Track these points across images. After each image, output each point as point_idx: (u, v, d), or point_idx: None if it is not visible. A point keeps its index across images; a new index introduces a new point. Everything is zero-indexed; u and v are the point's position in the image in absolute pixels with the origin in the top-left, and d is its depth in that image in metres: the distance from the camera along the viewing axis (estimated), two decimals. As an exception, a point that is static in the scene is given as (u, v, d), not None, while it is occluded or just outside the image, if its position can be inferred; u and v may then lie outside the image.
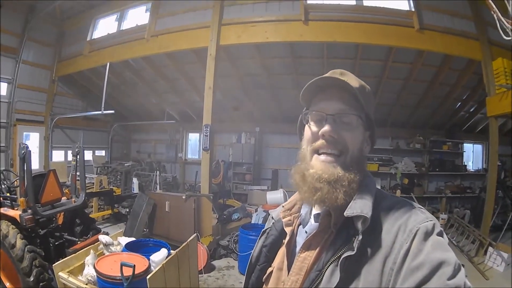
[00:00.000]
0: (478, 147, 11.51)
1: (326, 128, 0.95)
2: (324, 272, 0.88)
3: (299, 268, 0.97)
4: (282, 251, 1.07)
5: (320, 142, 0.97)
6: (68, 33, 10.34)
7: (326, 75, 1.02)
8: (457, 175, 10.70)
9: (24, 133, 10.01)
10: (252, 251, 1.17)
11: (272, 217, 1.21)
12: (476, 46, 6.70)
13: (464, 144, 10.97)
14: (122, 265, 3.15)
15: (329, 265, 0.88)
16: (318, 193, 0.93)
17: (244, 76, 9.38)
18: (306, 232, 1.03)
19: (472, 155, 11.56)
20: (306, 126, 1.04)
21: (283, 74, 9.07)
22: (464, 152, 11.00)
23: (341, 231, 0.92)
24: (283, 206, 1.15)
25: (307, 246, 0.98)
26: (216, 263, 6.19)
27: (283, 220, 1.10)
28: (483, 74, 6.66)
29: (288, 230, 1.07)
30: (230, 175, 11.51)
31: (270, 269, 1.08)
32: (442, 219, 7.63)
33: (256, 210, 8.49)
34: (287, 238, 1.06)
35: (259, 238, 1.18)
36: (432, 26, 6.66)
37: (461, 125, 10.78)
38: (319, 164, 0.96)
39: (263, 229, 1.20)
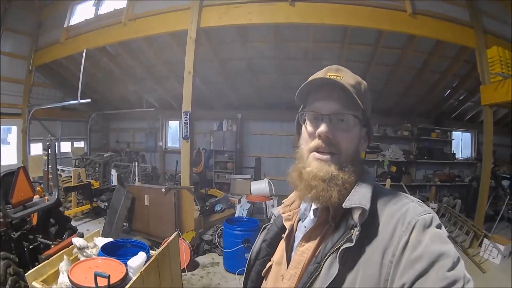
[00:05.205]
0: (467, 135, 11.52)
1: (322, 128, 0.96)
2: (323, 265, 0.88)
3: (297, 261, 0.98)
4: (281, 245, 1.08)
5: (316, 142, 0.98)
6: (45, 21, 9.70)
7: (321, 72, 1.03)
8: (445, 163, 10.65)
9: (2, 127, 9.42)
10: (252, 247, 1.19)
11: (274, 214, 1.23)
12: (470, 34, 6.50)
13: (453, 132, 10.93)
14: (96, 275, 2.84)
15: (328, 257, 0.88)
16: (313, 190, 0.94)
17: (225, 61, 9.00)
18: (305, 227, 1.05)
19: (461, 143, 11.55)
20: (303, 126, 1.05)
21: (266, 58, 8.70)
22: (453, 140, 10.96)
23: (339, 224, 0.92)
24: (283, 203, 1.18)
25: (306, 240, 0.99)
26: (199, 259, 5.92)
27: (283, 215, 1.12)
28: (477, 62, 6.47)
29: (287, 224, 1.09)
30: (212, 164, 11.19)
31: (269, 264, 1.10)
32: (431, 208, 7.42)
33: (239, 201, 8.20)
34: (286, 232, 1.07)
35: (260, 234, 1.21)
36: (425, 11, 6.39)
37: (450, 113, 10.69)
38: (314, 163, 0.97)
39: (264, 225, 1.22)
